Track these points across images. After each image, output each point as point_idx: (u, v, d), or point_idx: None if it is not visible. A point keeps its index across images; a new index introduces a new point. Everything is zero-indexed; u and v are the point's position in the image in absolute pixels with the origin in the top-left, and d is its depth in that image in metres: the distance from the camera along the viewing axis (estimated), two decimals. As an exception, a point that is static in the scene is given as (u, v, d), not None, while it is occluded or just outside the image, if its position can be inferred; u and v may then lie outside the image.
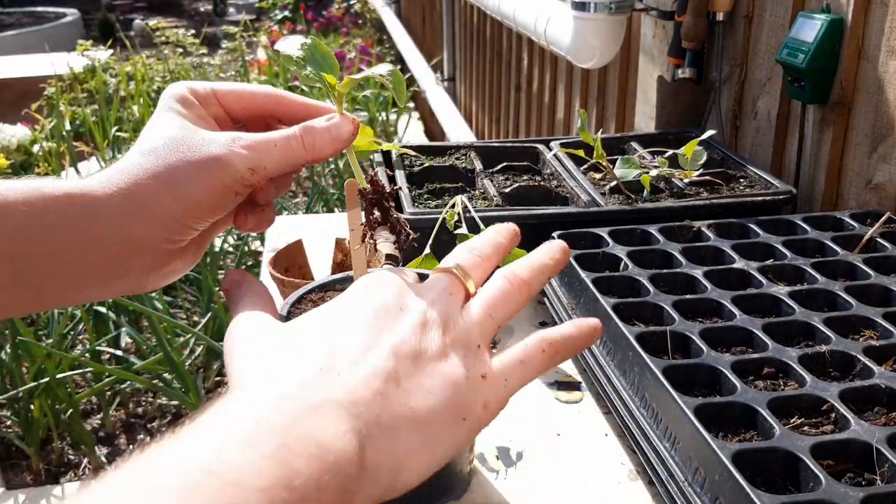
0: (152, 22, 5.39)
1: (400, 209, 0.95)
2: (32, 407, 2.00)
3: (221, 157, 0.50)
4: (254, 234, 2.47)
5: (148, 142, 0.51)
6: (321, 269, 1.00)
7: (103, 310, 2.23)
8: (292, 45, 0.55)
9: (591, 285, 0.78)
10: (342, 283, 0.67)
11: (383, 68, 0.55)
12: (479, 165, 1.12)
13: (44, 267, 0.48)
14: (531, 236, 0.93)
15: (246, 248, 2.72)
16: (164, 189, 0.49)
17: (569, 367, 0.83)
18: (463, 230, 0.79)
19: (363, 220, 0.58)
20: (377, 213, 0.58)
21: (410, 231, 0.58)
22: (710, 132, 1.08)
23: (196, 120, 0.53)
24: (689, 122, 1.31)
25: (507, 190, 1.02)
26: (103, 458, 2.07)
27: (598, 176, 1.09)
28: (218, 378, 2.33)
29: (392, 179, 1.07)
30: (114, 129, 3.59)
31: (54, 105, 3.66)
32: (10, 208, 0.47)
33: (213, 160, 0.50)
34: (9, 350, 2.01)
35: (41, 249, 0.48)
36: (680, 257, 0.83)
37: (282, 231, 1.19)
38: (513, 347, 0.47)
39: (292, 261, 0.95)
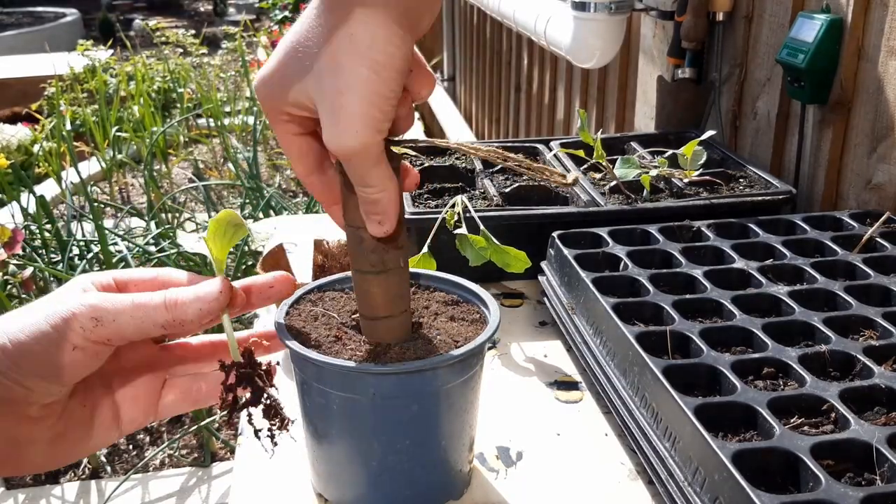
0: (152, 22, 5.39)
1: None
2: (32, 407, 2.00)
3: (59, 306, 0.47)
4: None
5: (24, 308, 0.49)
6: (305, 271, 1.01)
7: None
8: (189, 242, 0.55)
9: (591, 285, 0.78)
10: (341, 283, 0.67)
11: (256, 227, 0.54)
12: (479, 165, 1.12)
13: None
14: (531, 236, 0.94)
15: (246, 248, 2.72)
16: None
17: (569, 367, 0.83)
18: (463, 230, 0.79)
19: (228, 393, 0.51)
20: (248, 392, 0.51)
21: (285, 419, 0.52)
22: (709, 132, 1.08)
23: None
24: (689, 122, 1.31)
25: (507, 190, 1.02)
26: (103, 458, 2.07)
27: (598, 176, 1.09)
28: (218, 378, 2.33)
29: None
30: (114, 129, 3.59)
31: (54, 105, 3.66)
32: None
33: (51, 310, 0.47)
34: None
35: None
36: (680, 257, 0.83)
37: (282, 231, 1.19)
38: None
39: (276, 266, 0.96)
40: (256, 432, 0.52)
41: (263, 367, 0.53)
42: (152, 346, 0.56)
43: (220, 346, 0.57)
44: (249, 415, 0.52)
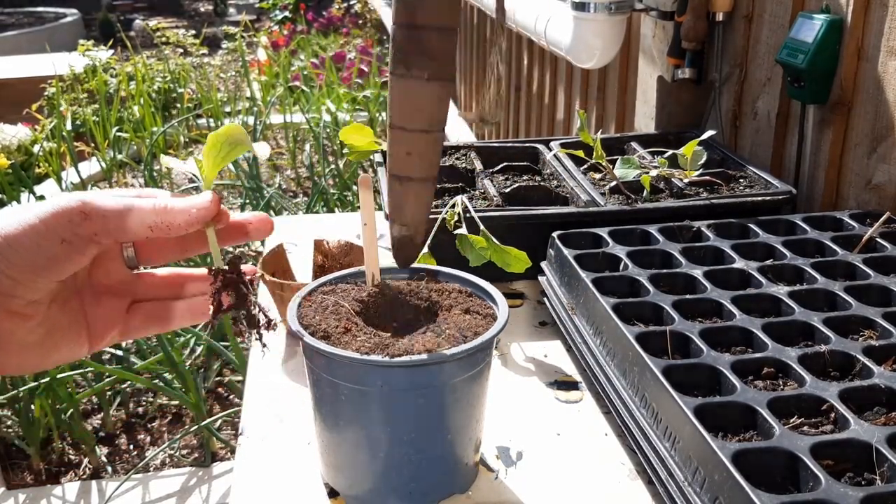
0: (153, 22, 5.39)
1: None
2: (33, 407, 2.00)
3: (50, 203, 0.48)
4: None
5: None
6: (305, 271, 1.01)
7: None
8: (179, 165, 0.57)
9: (591, 285, 0.78)
10: (353, 276, 0.67)
11: (259, 146, 0.55)
12: (479, 165, 1.13)
13: None
14: (531, 236, 0.94)
15: (246, 249, 2.73)
16: None
17: (569, 367, 0.83)
18: (463, 230, 0.79)
19: (214, 298, 0.54)
20: (231, 296, 0.54)
21: (271, 318, 0.55)
22: (709, 132, 1.08)
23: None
24: (689, 122, 1.31)
25: (507, 190, 1.02)
26: (103, 458, 2.07)
27: (597, 176, 1.09)
28: (218, 378, 2.34)
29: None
30: (114, 130, 3.59)
31: (55, 105, 3.66)
32: None
33: (43, 206, 0.48)
34: (9, 350, 2.00)
35: None
36: (680, 257, 0.83)
37: (282, 231, 1.19)
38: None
39: (277, 265, 0.96)
40: (259, 336, 0.55)
41: (248, 277, 0.54)
42: (124, 272, 0.56)
43: (189, 279, 0.58)
44: (238, 319, 0.55)
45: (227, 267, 0.54)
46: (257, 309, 0.55)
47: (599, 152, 1.01)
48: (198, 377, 2.09)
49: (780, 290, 0.76)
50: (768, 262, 0.83)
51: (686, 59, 1.29)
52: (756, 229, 0.90)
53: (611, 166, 1.02)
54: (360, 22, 6.69)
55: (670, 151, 1.06)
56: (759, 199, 0.97)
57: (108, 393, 2.22)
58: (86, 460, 2.08)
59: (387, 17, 5.94)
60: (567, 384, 0.81)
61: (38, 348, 0.51)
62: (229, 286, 0.54)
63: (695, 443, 0.57)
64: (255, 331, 0.55)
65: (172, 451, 2.10)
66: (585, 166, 1.10)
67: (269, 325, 0.55)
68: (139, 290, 0.57)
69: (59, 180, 3.00)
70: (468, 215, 0.80)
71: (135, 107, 3.86)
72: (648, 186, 1.00)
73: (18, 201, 2.63)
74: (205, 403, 2.09)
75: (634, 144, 1.18)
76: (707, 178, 1.03)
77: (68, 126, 3.39)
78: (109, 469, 2.05)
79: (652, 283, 0.78)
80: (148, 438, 2.18)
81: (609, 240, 0.88)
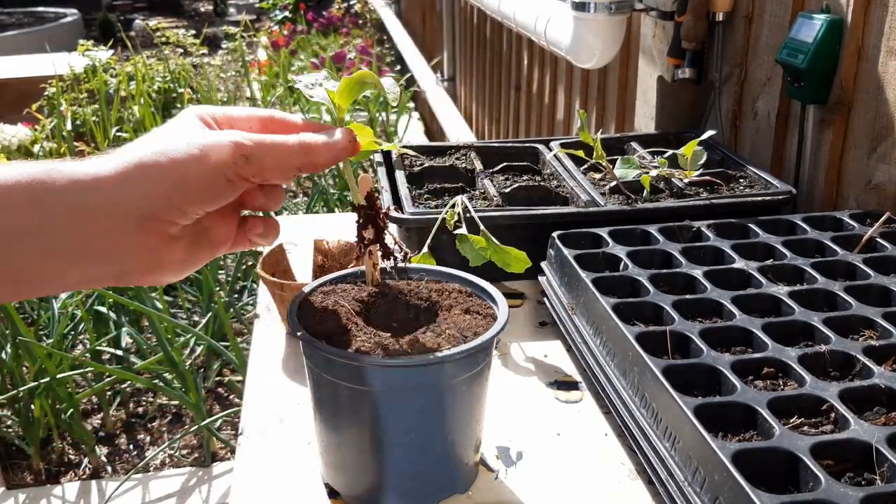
0: (152, 22, 5.39)
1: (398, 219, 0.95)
2: (33, 407, 2.00)
3: (217, 138, 0.51)
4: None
5: (152, 134, 0.53)
6: (305, 271, 1.01)
7: (104, 310, 2.23)
8: (308, 81, 0.60)
9: (590, 285, 0.78)
10: (353, 276, 0.67)
11: (388, 82, 0.59)
12: (479, 165, 1.12)
13: (29, 240, 0.47)
14: (531, 236, 0.94)
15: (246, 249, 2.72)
16: (154, 162, 0.50)
17: (569, 367, 0.83)
18: (463, 230, 0.79)
19: (358, 233, 0.60)
20: (370, 231, 0.59)
21: (406, 250, 0.61)
22: (709, 132, 1.08)
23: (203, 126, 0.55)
24: (689, 122, 1.31)
25: (507, 190, 1.02)
26: (103, 458, 2.07)
27: (597, 176, 1.09)
28: (218, 378, 2.34)
29: (392, 179, 1.07)
30: (114, 129, 3.59)
31: (55, 105, 3.66)
32: (10, 189, 0.47)
33: (207, 140, 0.51)
34: (9, 350, 2.01)
35: (30, 225, 0.47)
36: (680, 257, 0.83)
37: (282, 231, 1.19)
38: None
39: (277, 266, 0.96)
40: (395, 266, 0.61)
41: (383, 211, 0.60)
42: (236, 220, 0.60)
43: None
44: (374, 251, 0.61)
45: (365, 203, 0.59)
46: (393, 241, 0.61)
47: (599, 152, 1.01)
48: (198, 377, 2.09)
49: (780, 290, 0.76)
50: (768, 262, 0.83)
51: (686, 59, 1.29)
52: (756, 229, 0.90)
53: (611, 166, 1.02)
54: (360, 22, 6.69)
55: (670, 151, 1.06)
56: (759, 199, 0.97)
57: (108, 393, 2.22)
58: (86, 460, 2.08)
59: (387, 17, 5.94)
60: (567, 384, 0.81)
61: (181, 265, 0.55)
62: (368, 221, 0.59)
63: (695, 443, 0.57)
64: (390, 260, 0.60)
65: (172, 451, 2.10)
66: (585, 166, 1.10)
67: (406, 257, 0.61)
68: (245, 204, 0.60)
69: (59, 180, 3.00)
70: (468, 215, 0.80)
71: (135, 107, 3.85)
72: (648, 186, 1.00)
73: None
74: (205, 403, 2.09)
75: (634, 144, 1.18)
76: (707, 178, 1.03)
77: (68, 126, 3.39)
78: (109, 469, 2.05)
79: (652, 283, 0.78)
80: (148, 438, 2.18)
81: (609, 240, 0.88)
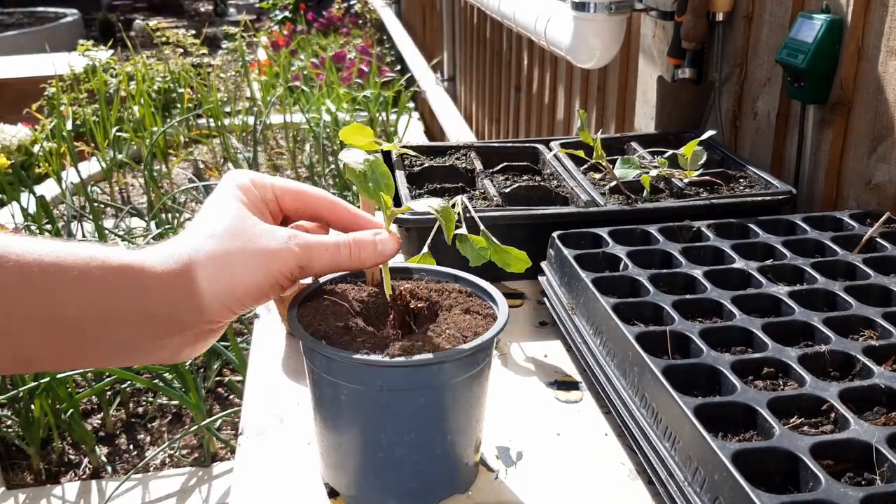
0: (153, 22, 5.39)
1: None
2: (33, 407, 2.00)
3: (277, 252, 0.53)
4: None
5: (209, 226, 0.53)
6: None
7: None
8: (356, 157, 0.60)
9: (590, 285, 0.78)
10: (353, 276, 0.67)
11: (435, 202, 0.61)
12: (479, 165, 1.12)
13: (89, 333, 0.50)
14: (531, 236, 0.94)
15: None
16: (218, 273, 0.51)
17: (569, 367, 0.83)
18: (462, 230, 0.79)
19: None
20: (395, 320, 0.62)
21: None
22: (709, 132, 1.08)
23: (253, 208, 0.56)
24: (689, 122, 1.31)
25: (507, 190, 1.02)
26: (103, 458, 2.07)
27: (597, 176, 1.09)
28: (218, 378, 2.34)
29: (392, 179, 1.07)
30: (114, 130, 3.59)
31: (55, 105, 3.66)
32: (66, 274, 0.48)
33: (269, 253, 0.53)
34: (9, 350, 2.00)
35: (90, 316, 0.49)
36: (680, 257, 0.83)
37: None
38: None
39: None
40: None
41: (412, 306, 0.63)
42: None
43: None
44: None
45: (395, 299, 0.62)
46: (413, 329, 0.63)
47: (599, 152, 1.01)
48: (198, 377, 2.09)
49: (780, 290, 0.76)
50: (768, 262, 0.83)
51: (686, 59, 1.29)
52: (756, 229, 0.90)
53: (611, 166, 1.02)
54: (360, 22, 6.69)
55: (670, 151, 1.06)
56: (759, 199, 0.97)
57: (108, 393, 2.22)
58: (86, 460, 2.08)
59: (387, 17, 5.94)
60: (567, 384, 0.81)
61: (191, 352, 0.56)
62: (399, 314, 0.62)
63: (695, 443, 0.57)
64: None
65: (172, 451, 2.10)
66: (585, 166, 1.10)
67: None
68: None
69: (59, 180, 3.00)
70: (468, 215, 0.80)
71: (135, 107, 3.86)
72: (648, 186, 1.00)
73: (18, 201, 2.63)
74: (205, 403, 2.08)
75: (634, 144, 1.18)
76: (707, 178, 1.03)
77: (68, 126, 3.39)
78: (109, 469, 2.05)
79: (652, 283, 0.78)
80: (148, 438, 2.18)
81: (609, 240, 0.88)
